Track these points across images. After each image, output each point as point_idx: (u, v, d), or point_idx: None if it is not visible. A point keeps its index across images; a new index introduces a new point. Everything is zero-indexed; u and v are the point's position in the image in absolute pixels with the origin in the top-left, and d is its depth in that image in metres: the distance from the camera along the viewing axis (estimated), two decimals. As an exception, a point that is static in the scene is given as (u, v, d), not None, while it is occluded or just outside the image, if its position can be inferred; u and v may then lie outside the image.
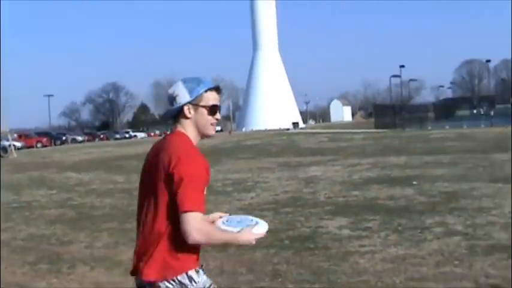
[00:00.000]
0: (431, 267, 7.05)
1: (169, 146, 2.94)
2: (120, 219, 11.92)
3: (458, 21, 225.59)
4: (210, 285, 2.95)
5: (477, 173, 16.38)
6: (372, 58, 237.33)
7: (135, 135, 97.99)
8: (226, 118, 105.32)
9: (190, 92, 2.99)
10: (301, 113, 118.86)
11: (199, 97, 3.00)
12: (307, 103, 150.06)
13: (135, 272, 2.98)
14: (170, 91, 3.04)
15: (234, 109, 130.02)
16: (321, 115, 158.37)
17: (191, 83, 3.02)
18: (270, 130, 79.80)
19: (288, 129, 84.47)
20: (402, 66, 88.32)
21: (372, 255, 7.73)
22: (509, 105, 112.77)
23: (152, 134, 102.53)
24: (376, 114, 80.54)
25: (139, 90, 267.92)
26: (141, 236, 2.95)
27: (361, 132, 50.16)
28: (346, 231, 9.35)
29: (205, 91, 3.01)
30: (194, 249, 2.91)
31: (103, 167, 26.03)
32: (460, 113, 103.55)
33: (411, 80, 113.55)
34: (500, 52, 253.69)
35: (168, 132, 3.17)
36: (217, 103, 3.06)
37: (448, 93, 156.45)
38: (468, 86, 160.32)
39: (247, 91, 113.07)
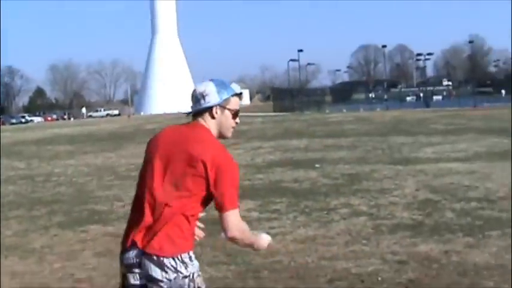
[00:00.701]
0: (340, 246, 7.52)
1: (203, 138, 3.25)
2: (26, 206, 11.73)
3: (355, 7, 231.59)
4: (198, 267, 3.27)
5: (376, 155, 17.26)
6: (270, 42, 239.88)
7: (31, 120, 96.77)
8: (124, 102, 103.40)
9: (219, 94, 3.29)
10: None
11: (227, 100, 3.31)
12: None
13: (134, 242, 3.18)
14: (200, 89, 3.31)
15: (132, 93, 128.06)
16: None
17: (220, 86, 3.32)
18: (168, 114, 79.29)
19: (187, 113, 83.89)
20: (300, 50, 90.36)
21: (283, 236, 8.12)
22: (403, 89, 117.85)
23: (49, 118, 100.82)
24: (274, 97, 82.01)
25: (35, 74, 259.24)
26: (153, 212, 3.18)
27: (260, 116, 50.92)
28: (255, 214, 9.70)
29: (232, 95, 3.33)
30: (193, 233, 3.25)
31: (1, 153, 25.15)
32: (356, 96, 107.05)
33: (309, 64, 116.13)
34: (395, 37, 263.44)
35: (186, 123, 3.42)
36: (239, 108, 3.38)
37: (345, 77, 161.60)
38: (364, 70, 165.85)
39: (145, 74, 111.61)
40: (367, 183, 12.37)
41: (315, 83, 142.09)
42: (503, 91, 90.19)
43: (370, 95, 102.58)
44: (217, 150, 3.21)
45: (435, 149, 18.11)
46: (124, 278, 3.26)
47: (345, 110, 57.90)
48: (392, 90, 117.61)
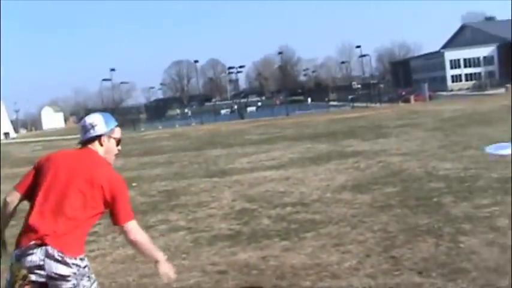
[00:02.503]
0: (160, 262, 7.60)
1: (99, 162, 3.89)
2: None
3: (164, 24, 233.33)
4: None
5: (193, 170, 17.55)
6: (80, 63, 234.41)
7: None
8: None
9: (107, 124, 3.98)
10: (12, 122, 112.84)
11: (112, 130, 4.01)
12: (17, 111, 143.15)
13: (38, 246, 3.60)
14: (90, 120, 3.96)
15: None
16: (33, 123, 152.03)
17: (107, 117, 4.03)
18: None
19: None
20: (113, 69, 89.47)
21: (103, 258, 8.07)
22: (217, 103, 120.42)
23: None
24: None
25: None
26: (56, 220, 3.66)
27: (74, 138, 49.51)
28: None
29: (116, 126, 4.04)
30: (85, 240, 3.84)
31: None
32: (171, 112, 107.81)
33: (122, 82, 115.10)
34: (207, 52, 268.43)
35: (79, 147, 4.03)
36: (121, 137, 4.10)
37: (159, 94, 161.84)
38: (178, 86, 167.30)
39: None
40: (184, 198, 12.55)
41: (130, 102, 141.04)
42: (309, 99, 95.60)
43: (185, 110, 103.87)
44: (112, 173, 3.85)
45: (250, 158, 18.82)
46: (23, 279, 3.58)
47: (160, 127, 58.12)
48: (207, 104, 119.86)
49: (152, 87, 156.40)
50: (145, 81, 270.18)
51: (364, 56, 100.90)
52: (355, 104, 73.54)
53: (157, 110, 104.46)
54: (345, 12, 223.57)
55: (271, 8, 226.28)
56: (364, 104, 70.43)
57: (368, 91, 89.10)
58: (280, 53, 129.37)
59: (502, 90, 71.27)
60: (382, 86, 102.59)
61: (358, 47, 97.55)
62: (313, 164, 15.98)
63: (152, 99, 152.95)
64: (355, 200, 10.47)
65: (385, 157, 15.93)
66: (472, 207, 8.92)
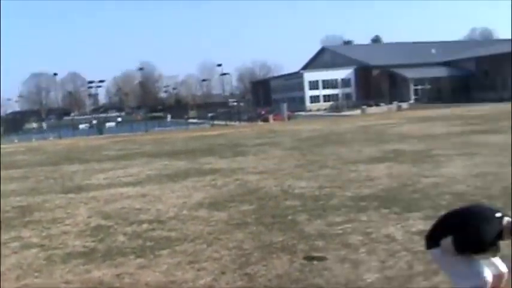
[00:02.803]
0: (12, 281, 7.31)
1: None
2: None
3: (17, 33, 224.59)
4: None
5: (49, 185, 16.98)
6: None
7: None
8: None
9: None
10: None
11: None
12: None
13: None
14: None
15: None
16: None
17: None
18: None
19: None
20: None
21: None
22: (76, 117, 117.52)
23: None
24: None
25: None
26: None
27: None
28: None
29: None
30: None
31: None
32: (28, 126, 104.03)
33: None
34: (67, 66, 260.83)
35: None
36: None
37: (16, 107, 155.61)
38: (36, 98, 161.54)
39: None
40: (38, 214, 12.13)
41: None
42: (169, 116, 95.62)
43: (43, 124, 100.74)
44: None
45: (107, 175, 18.48)
46: None
47: (16, 141, 55.78)
48: (66, 118, 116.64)
49: (9, 99, 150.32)
50: (2, 93, 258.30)
51: (225, 74, 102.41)
52: (215, 122, 74.26)
53: (14, 123, 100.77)
54: (206, 31, 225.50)
55: (132, 23, 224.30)
56: (223, 122, 71.26)
57: (228, 109, 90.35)
58: (141, 68, 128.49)
59: (358, 111, 74.59)
60: (242, 104, 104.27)
61: (220, 65, 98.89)
62: (170, 181, 15.95)
63: (9, 111, 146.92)
64: (211, 217, 10.56)
65: (242, 175, 16.18)
66: (326, 225, 9.25)
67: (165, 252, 8.23)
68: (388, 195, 11.45)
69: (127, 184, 15.93)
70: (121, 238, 9.30)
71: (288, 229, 9.14)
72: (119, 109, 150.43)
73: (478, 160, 15.80)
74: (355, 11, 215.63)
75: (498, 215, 4.78)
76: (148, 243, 8.81)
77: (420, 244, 5.48)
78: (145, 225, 10.16)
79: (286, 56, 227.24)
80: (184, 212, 11.26)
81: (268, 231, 9.09)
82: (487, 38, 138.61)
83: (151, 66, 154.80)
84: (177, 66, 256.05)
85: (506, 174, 12.87)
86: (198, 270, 7.30)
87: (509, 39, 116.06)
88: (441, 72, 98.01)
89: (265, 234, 8.90)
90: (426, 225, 8.56)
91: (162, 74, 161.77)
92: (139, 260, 7.90)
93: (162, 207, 11.85)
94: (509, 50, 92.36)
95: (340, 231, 8.74)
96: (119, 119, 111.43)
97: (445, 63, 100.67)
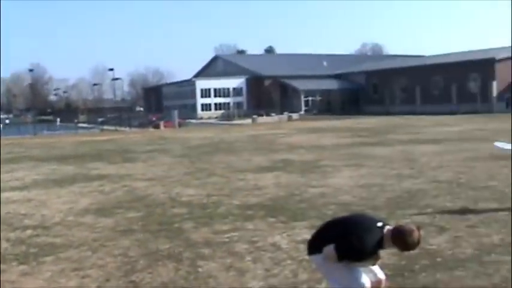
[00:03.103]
0: None
1: None
2: None
3: None
4: None
5: None
6: None
7: None
8: None
9: None
10: None
11: None
12: None
13: None
14: None
15: None
16: None
17: None
18: None
19: None
20: None
21: None
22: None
23: None
24: None
25: None
26: None
27: None
28: None
29: None
30: None
31: None
32: None
33: None
34: None
35: None
36: None
37: None
38: None
39: None
40: None
41: None
42: (58, 119, 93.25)
43: None
44: None
45: (-9, 178, 17.87)
46: None
47: None
48: None
49: None
50: None
51: (116, 79, 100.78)
52: (105, 127, 73.05)
53: None
54: (100, 35, 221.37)
55: (23, 23, 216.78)
56: (113, 128, 70.22)
57: (119, 115, 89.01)
58: (31, 70, 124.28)
59: (249, 120, 75.37)
60: (133, 110, 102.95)
61: (111, 69, 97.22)
62: (57, 186, 15.65)
63: None
64: (97, 223, 10.49)
65: (130, 181, 16.10)
66: (212, 233, 9.40)
67: (49, 259, 8.12)
68: (275, 204, 11.75)
69: (13, 188, 15.48)
70: (4, 244, 9.07)
71: (174, 237, 9.22)
72: (7, 111, 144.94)
73: (364, 171, 16.44)
74: (250, 21, 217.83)
75: (379, 224, 5.07)
76: (32, 250, 8.66)
77: (305, 253, 5.70)
78: (29, 231, 9.96)
79: (179, 63, 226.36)
80: (70, 218, 11.12)
81: (154, 239, 9.14)
82: (377, 53, 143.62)
83: (41, 68, 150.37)
84: (68, 69, 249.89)
85: (390, 186, 13.50)
86: (83, 277, 7.26)
87: (398, 55, 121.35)
88: (332, 84, 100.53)
89: (152, 242, 8.94)
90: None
91: (53, 76, 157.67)
92: (22, 267, 7.76)
93: (47, 213, 11.65)
94: (398, 65, 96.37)
95: (227, 240, 8.91)
96: (7, 121, 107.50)
97: (336, 76, 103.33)
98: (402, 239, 4.91)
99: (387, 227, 5.05)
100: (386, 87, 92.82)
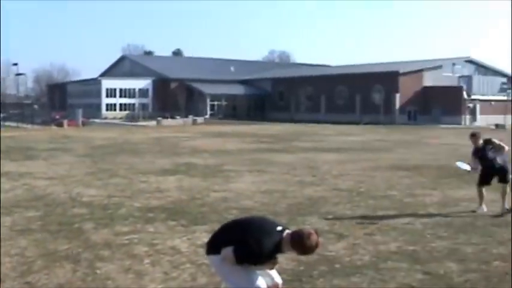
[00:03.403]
0: None
1: None
2: None
3: None
4: None
5: None
6: None
7: None
8: None
9: None
10: None
11: None
12: None
13: None
14: None
15: None
16: None
17: None
18: None
19: None
20: None
21: None
22: None
23: None
24: None
25: None
26: None
27: None
28: None
29: None
30: None
31: None
32: None
33: None
34: None
35: None
36: None
37: None
38: None
39: None
40: None
41: None
42: None
43: None
44: None
45: None
46: None
47: None
48: None
49: None
50: None
51: (20, 74, 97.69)
52: (6, 124, 70.68)
53: None
54: (4, 29, 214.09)
55: None
56: (15, 124, 68.08)
57: (21, 111, 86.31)
58: None
59: (153, 122, 74.67)
60: (36, 107, 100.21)
61: (15, 64, 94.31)
62: (-49, 182, 15.02)
63: None
64: (-6, 222, 10.16)
65: (30, 180, 15.68)
66: (112, 234, 9.29)
67: None
68: (176, 207, 11.73)
69: None
70: None
71: (73, 237, 9.07)
72: None
73: (267, 177, 16.64)
74: (159, 22, 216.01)
75: (279, 228, 5.16)
76: None
77: (205, 257, 5.73)
78: None
79: (86, 62, 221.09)
80: (-37, 216, 10.72)
81: (53, 239, 8.95)
82: (284, 61, 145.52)
83: None
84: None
85: (292, 192, 13.74)
86: (-25, 277, 7.02)
87: (304, 64, 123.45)
88: (238, 90, 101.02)
89: (50, 242, 8.76)
90: (211, 238, 8.96)
91: None
92: None
93: None
94: (304, 74, 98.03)
95: (126, 242, 8.83)
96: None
97: (243, 82, 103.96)
98: (301, 243, 5.00)
99: (286, 231, 5.14)
100: (292, 94, 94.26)
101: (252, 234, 5.06)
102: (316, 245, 5.06)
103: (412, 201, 12.78)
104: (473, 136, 12.02)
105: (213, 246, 5.31)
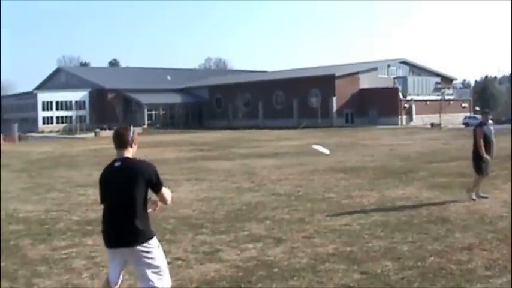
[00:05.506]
0: None
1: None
2: None
3: None
4: None
5: None
6: None
7: None
8: None
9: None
10: None
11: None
12: None
13: None
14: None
15: None
16: None
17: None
18: None
19: None
20: None
21: None
22: None
23: None
24: None
25: None
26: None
27: None
28: None
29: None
30: None
31: None
32: None
33: None
34: None
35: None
36: None
37: None
38: None
39: None
40: None
41: None
42: None
43: None
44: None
45: None
46: None
47: None
48: None
49: None
50: None
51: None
52: None
53: None
54: None
55: None
56: None
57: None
58: None
59: (91, 134, 73.77)
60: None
61: None
62: None
63: None
64: None
65: (-36, 198, 15.28)
66: (50, 250, 9.14)
67: None
68: (115, 219, 11.58)
69: None
70: None
71: (10, 254, 8.88)
72: None
73: (205, 185, 16.64)
74: (93, 33, 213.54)
75: None
76: None
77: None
78: None
79: (20, 74, 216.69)
80: None
81: (-12, 257, 8.74)
82: (221, 68, 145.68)
83: None
84: None
85: (230, 199, 13.77)
86: None
87: (241, 70, 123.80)
88: (175, 98, 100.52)
89: (-15, 260, 8.55)
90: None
91: None
92: None
93: None
94: (241, 80, 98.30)
95: (64, 256, 8.71)
96: None
97: (180, 90, 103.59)
98: None
99: None
100: (230, 101, 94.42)
101: None
102: None
103: (349, 202, 12.97)
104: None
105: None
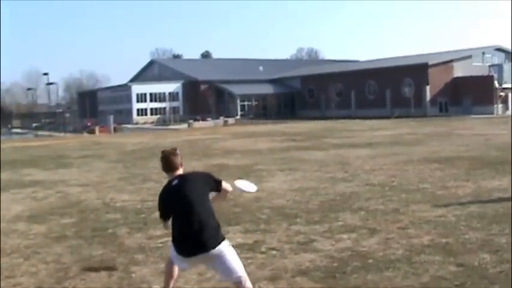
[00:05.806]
0: None
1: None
2: None
3: None
4: None
5: None
6: None
7: None
8: None
9: None
10: None
11: None
12: None
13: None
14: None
15: None
16: None
17: None
18: None
19: None
20: None
21: None
22: None
23: None
24: None
25: None
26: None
27: None
28: None
29: None
30: None
31: None
32: None
33: None
34: None
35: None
36: None
37: None
38: None
39: None
40: None
41: None
42: None
43: None
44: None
45: None
46: None
47: None
48: None
49: None
50: None
51: (51, 83, 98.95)
52: (39, 133, 71.65)
53: None
54: (33, 38, 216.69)
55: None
56: (48, 133, 68.98)
57: (53, 120, 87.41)
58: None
59: (185, 125, 75.08)
60: (68, 115, 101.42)
61: (46, 74, 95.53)
62: (-11, 193, 15.29)
63: None
64: (30, 230, 10.34)
65: (63, 187, 15.90)
66: (146, 238, 9.39)
67: (-22, 267, 7.96)
68: (209, 209, 11.75)
69: None
70: None
71: (108, 242, 9.18)
72: None
73: (299, 175, 16.64)
74: (186, 25, 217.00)
75: None
76: (-41, 258, 8.46)
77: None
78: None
79: (115, 68, 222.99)
80: (3, 225, 10.93)
81: (88, 245, 9.07)
82: (313, 58, 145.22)
83: None
84: (1, 73, 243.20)
85: (324, 189, 13.73)
86: (14, 285, 7.16)
87: (333, 60, 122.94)
88: (268, 89, 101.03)
89: (85, 248, 8.88)
90: (245, 239, 9.00)
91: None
92: None
93: (-22, 221, 11.38)
94: (333, 70, 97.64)
95: (160, 245, 8.91)
96: None
97: (272, 81, 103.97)
98: None
99: None
100: (322, 91, 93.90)
101: None
102: None
103: (444, 193, 12.68)
104: None
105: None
